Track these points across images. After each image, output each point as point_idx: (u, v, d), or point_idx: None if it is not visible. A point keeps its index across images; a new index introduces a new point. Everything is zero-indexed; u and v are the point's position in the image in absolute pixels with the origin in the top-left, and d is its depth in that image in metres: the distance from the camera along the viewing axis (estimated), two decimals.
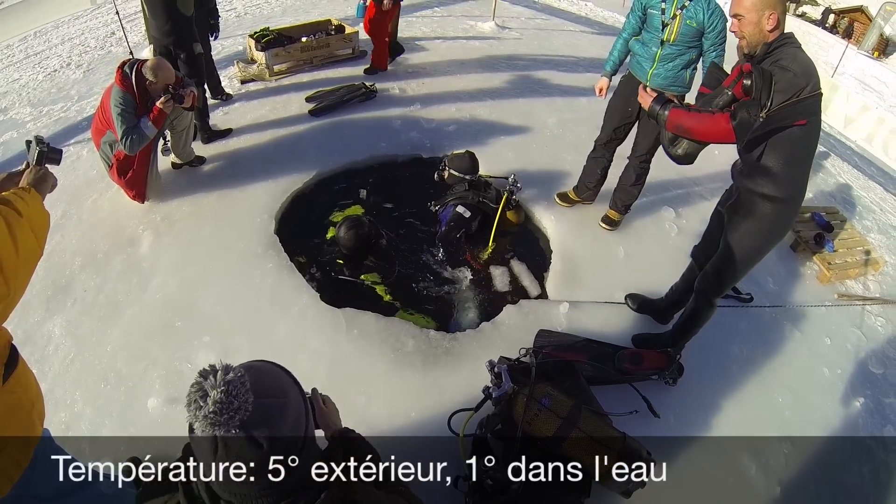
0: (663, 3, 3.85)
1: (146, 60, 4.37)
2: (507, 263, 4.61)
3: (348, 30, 7.91)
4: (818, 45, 26.79)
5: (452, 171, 4.64)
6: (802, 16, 35.89)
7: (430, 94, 7.02)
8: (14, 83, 8.20)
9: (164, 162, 5.08)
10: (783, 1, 2.65)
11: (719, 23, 3.77)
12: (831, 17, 36.42)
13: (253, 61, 7.36)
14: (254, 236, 4.44)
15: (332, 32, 7.93)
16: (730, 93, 2.69)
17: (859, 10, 35.05)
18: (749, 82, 2.54)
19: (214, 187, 5.00)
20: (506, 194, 4.57)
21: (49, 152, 2.11)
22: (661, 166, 5.47)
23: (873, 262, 5.74)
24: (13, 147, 6.07)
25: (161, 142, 4.88)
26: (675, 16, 3.81)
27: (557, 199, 5.08)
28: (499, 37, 10.04)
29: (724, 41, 3.86)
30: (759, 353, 4.16)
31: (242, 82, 6.98)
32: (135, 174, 4.54)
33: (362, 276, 4.26)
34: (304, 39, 7.60)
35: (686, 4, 3.77)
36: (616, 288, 4.32)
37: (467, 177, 4.66)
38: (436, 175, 4.82)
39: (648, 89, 3.02)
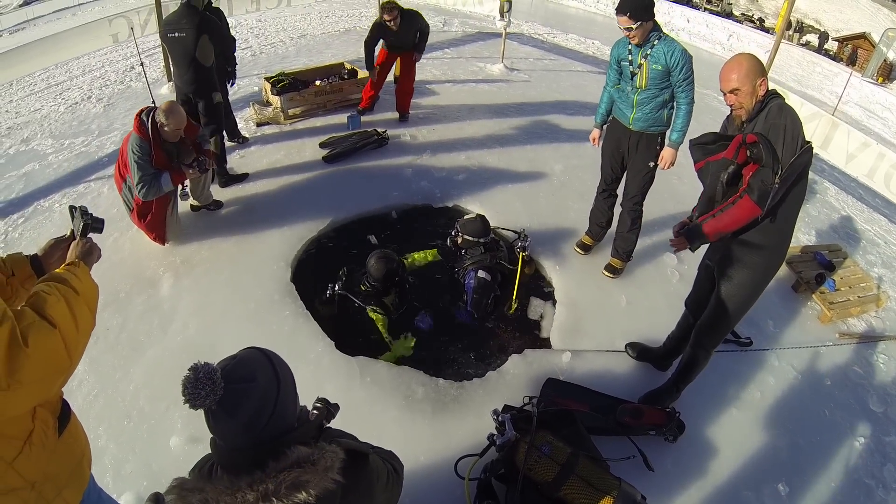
0: (630, 55, 4.19)
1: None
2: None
3: (360, 74, 8.13)
4: (822, 75, 27.01)
5: (466, 237, 4.78)
6: (806, 44, 36.20)
7: (440, 140, 7.17)
8: (35, 113, 8.51)
9: (183, 205, 5.24)
10: (763, 66, 2.91)
11: (681, 58, 4.03)
12: (835, 45, 36.76)
13: (268, 104, 7.60)
14: (270, 283, 4.59)
15: (346, 76, 8.19)
16: (734, 165, 2.89)
17: (862, 36, 35.38)
18: (757, 151, 2.74)
19: (232, 232, 5.17)
20: (521, 254, 4.75)
21: (93, 223, 2.25)
22: (661, 211, 5.67)
23: (876, 299, 5.79)
24: (35, 179, 6.32)
25: (180, 187, 5.07)
26: (641, 64, 4.13)
27: (576, 248, 5.27)
28: (508, 79, 10.21)
29: (691, 78, 4.13)
30: (757, 396, 4.23)
31: (258, 125, 7.23)
32: (154, 217, 4.72)
33: (368, 309, 4.37)
34: (317, 83, 7.85)
35: (649, 52, 4.07)
36: (617, 336, 4.43)
37: (481, 240, 4.80)
38: (448, 241, 4.96)
39: (675, 237, 3.24)
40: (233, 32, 12.50)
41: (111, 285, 4.43)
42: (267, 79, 7.79)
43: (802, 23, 39.77)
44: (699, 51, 26.94)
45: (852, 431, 4.21)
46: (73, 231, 2.20)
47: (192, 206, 5.39)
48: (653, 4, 3.96)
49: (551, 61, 12.54)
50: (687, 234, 3.12)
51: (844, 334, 5.19)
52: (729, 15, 40.36)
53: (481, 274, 4.56)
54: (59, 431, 1.93)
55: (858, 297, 5.65)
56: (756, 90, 2.84)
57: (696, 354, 3.63)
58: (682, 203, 5.97)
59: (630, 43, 4.13)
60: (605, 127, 4.75)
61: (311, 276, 4.87)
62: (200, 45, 5.18)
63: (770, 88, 2.90)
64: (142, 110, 4.54)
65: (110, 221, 5.09)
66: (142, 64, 6.91)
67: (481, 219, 4.85)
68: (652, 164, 4.49)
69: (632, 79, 4.22)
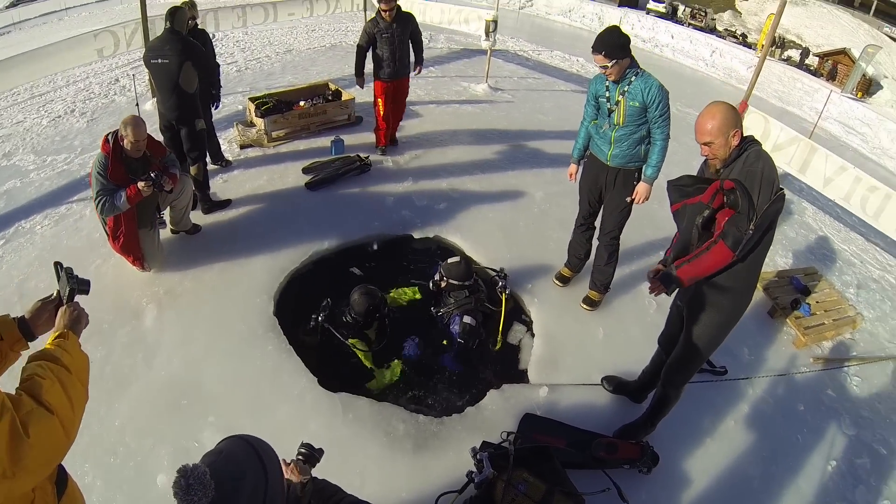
0: (607, 92, 4.22)
1: None
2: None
3: (345, 95, 8.20)
4: (803, 91, 27.31)
5: (451, 281, 4.81)
6: (788, 60, 36.72)
7: (422, 167, 7.21)
8: (18, 125, 8.40)
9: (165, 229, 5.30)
10: (739, 114, 2.96)
11: (658, 95, 4.05)
12: (816, 61, 37.28)
13: (252, 124, 7.63)
14: (254, 317, 4.60)
15: (330, 97, 8.24)
16: (709, 209, 2.98)
17: (842, 52, 35.91)
18: (733, 197, 2.82)
19: (214, 261, 5.17)
20: (503, 295, 4.79)
21: (79, 287, 2.24)
22: (640, 238, 5.76)
23: (850, 322, 5.90)
24: (16, 198, 6.28)
25: (158, 216, 5.12)
26: (618, 101, 4.16)
27: (555, 280, 5.32)
28: (492, 100, 10.29)
29: (667, 114, 4.17)
30: (731, 425, 4.30)
31: (242, 147, 7.25)
32: (125, 239, 4.68)
33: (350, 340, 4.41)
34: (301, 103, 7.91)
35: (626, 89, 4.10)
36: (594, 369, 4.47)
37: (465, 283, 4.83)
38: (431, 284, 4.97)
39: (651, 283, 3.27)
40: (218, 46, 12.64)
41: (95, 315, 4.24)
42: (251, 99, 7.82)
43: (784, 38, 40.27)
44: (682, 67, 27.37)
45: (825, 455, 4.30)
46: (59, 292, 2.19)
47: (171, 230, 5.41)
48: (628, 41, 4.01)
49: (535, 80, 12.63)
50: (662, 280, 3.18)
51: (818, 358, 5.29)
52: (713, 30, 40.79)
53: (467, 319, 4.60)
54: (59, 497, 1.97)
55: (833, 320, 5.75)
56: (729, 142, 2.91)
57: (667, 393, 3.70)
58: (661, 230, 6.04)
59: (608, 79, 4.16)
60: (582, 162, 4.79)
61: (294, 306, 4.89)
62: (184, 72, 5.19)
63: (746, 135, 2.96)
64: (110, 133, 4.56)
65: (92, 246, 5.23)
66: (133, 76, 6.88)
67: (465, 262, 4.88)
68: (629, 199, 4.54)
69: (609, 115, 4.27)
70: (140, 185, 4.50)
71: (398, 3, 6.68)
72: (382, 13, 6.56)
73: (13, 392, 1.72)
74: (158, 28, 8.40)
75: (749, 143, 2.94)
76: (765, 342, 5.30)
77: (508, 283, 4.91)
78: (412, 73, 7.26)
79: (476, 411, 4.06)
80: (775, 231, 3.05)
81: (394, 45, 6.72)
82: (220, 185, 6.34)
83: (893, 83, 33.48)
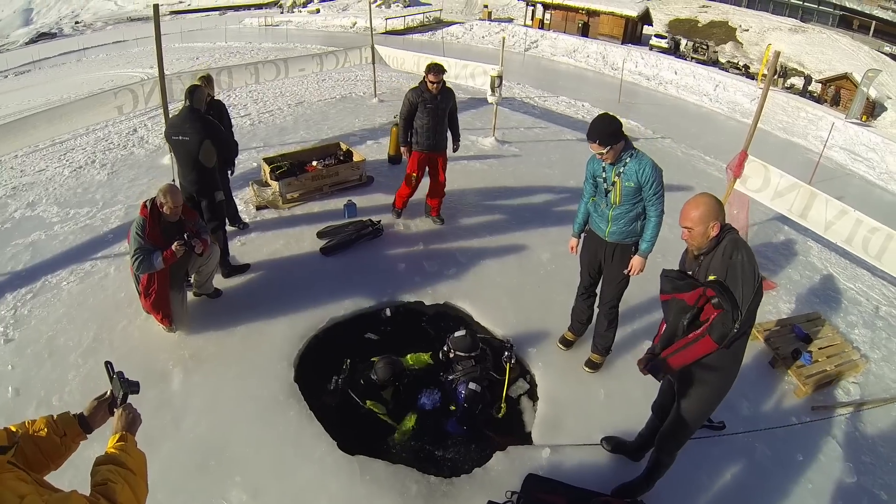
0: (604, 173, 4.41)
1: None
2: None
3: (356, 156, 8.50)
4: (808, 119, 27.49)
5: (458, 353, 5.00)
6: (791, 88, 36.95)
7: (432, 230, 7.42)
8: (40, 174, 8.75)
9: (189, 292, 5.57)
10: (723, 209, 3.22)
11: (652, 175, 4.25)
12: (819, 87, 37.46)
13: (267, 184, 7.93)
14: (275, 383, 4.82)
15: (341, 157, 8.56)
16: (694, 311, 3.25)
17: (844, 77, 36.04)
18: (717, 302, 3.06)
19: (236, 326, 5.39)
20: (507, 365, 4.97)
21: (130, 390, 2.54)
22: (642, 294, 5.92)
23: (854, 366, 5.99)
24: (42, 250, 6.56)
25: (186, 279, 5.43)
26: (614, 182, 4.35)
27: (559, 344, 5.52)
28: (499, 154, 10.55)
29: (661, 192, 4.36)
30: (730, 480, 4.43)
31: (258, 208, 7.54)
32: (157, 296, 4.97)
33: (368, 403, 4.70)
34: (314, 163, 8.25)
35: (622, 170, 4.29)
36: (595, 430, 4.62)
37: (472, 354, 5.02)
38: (440, 355, 5.16)
39: (641, 370, 3.57)
40: (231, 98, 13.02)
41: None
42: (266, 160, 8.15)
43: (786, 66, 40.56)
44: (687, 104, 27.71)
45: None
46: (111, 392, 2.49)
47: (194, 292, 5.69)
48: (620, 127, 4.20)
49: (542, 129, 12.93)
50: (651, 370, 3.47)
51: (818, 407, 5.37)
52: (715, 63, 41.24)
53: (472, 385, 4.79)
54: None
55: (836, 366, 5.83)
56: (708, 231, 3.15)
57: (661, 458, 3.88)
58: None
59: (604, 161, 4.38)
60: (582, 235, 5.02)
61: (314, 370, 5.12)
62: (203, 149, 5.50)
63: (724, 224, 3.20)
64: (148, 199, 4.92)
65: (118, 306, 5.57)
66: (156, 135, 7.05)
67: (470, 336, 5.07)
68: (627, 271, 4.74)
69: (606, 195, 4.46)
70: (174, 246, 4.83)
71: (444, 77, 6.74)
72: (430, 84, 6.60)
73: (87, 490, 2.00)
74: (175, 88, 8.89)
75: (726, 231, 3.18)
76: (765, 394, 5.42)
77: (514, 352, 5.09)
78: (449, 149, 7.32)
79: (483, 472, 4.24)
80: (755, 316, 3.21)
81: (436, 117, 6.78)
82: (239, 249, 6.56)
83: None
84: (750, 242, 7.84)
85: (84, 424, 2.37)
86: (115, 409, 2.44)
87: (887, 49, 45.55)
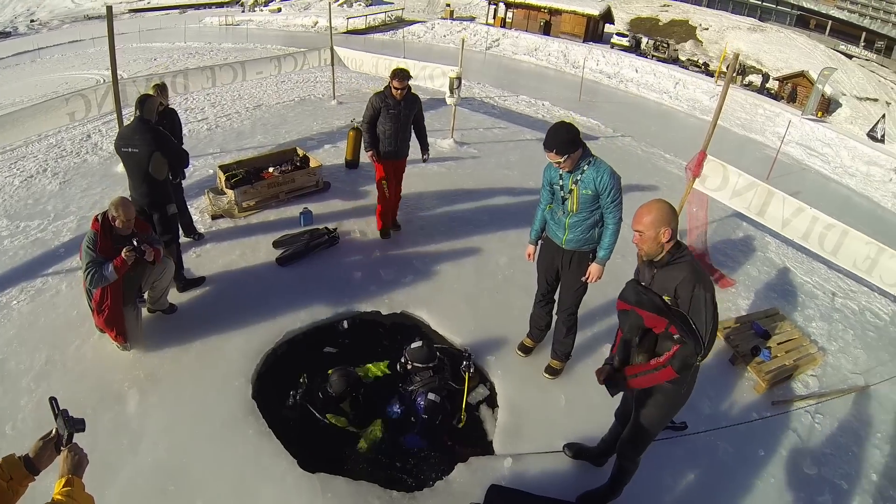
0: (561, 180, 4.35)
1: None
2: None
3: (312, 162, 8.36)
4: (765, 116, 28.07)
5: (415, 364, 4.93)
6: (749, 85, 37.69)
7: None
8: None
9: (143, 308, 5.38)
10: (676, 216, 3.19)
11: (609, 183, 4.21)
12: (776, 84, 38.32)
13: (223, 192, 7.76)
14: (233, 401, 4.67)
15: (298, 163, 8.41)
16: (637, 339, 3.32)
17: (801, 74, 36.97)
18: (679, 338, 3.10)
19: (192, 342, 5.22)
20: (467, 375, 4.89)
21: (75, 428, 2.38)
22: (602, 297, 5.89)
23: (812, 359, 6.09)
24: None
25: (139, 295, 5.24)
26: (571, 189, 4.30)
27: (518, 351, 5.45)
28: (457, 156, 10.48)
29: (619, 199, 4.33)
30: (693, 480, 4.44)
31: (213, 217, 7.34)
32: (110, 312, 4.79)
33: (328, 416, 4.65)
34: (270, 170, 8.09)
35: (579, 178, 4.24)
36: (557, 437, 4.57)
37: (429, 365, 4.96)
38: (398, 366, 5.07)
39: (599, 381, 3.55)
40: (188, 101, 12.76)
41: (77, 400, 4.42)
42: (221, 167, 7.97)
43: (745, 64, 41.33)
44: (647, 101, 28.03)
45: (787, 498, 4.47)
46: (57, 430, 2.35)
47: (148, 308, 5.49)
48: (577, 135, 4.14)
49: (501, 130, 12.91)
50: (608, 386, 3.49)
51: (778, 402, 5.45)
52: (676, 60, 41.86)
53: (431, 396, 4.73)
54: None
55: (794, 360, 5.93)
56: (659, 237, 3.14)
57: (623, 465, 3.87)
58: (622, 284, 6.24)
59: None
60: (539, 242, 4.94)
61: (272, 386, 5.00)
62: (153, 162, 5.32)
63: (678, 242, 3.20)
64: (100, 213, 4.76)
65: (70, 325, 5.33)
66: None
67: (427, 346, 5.01)
68: (584, 278, 4.68)
69: (563, 203, 4.41)
70: (124, 252, 4.65)
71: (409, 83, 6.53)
72: (394, 90, 6.39)
73: None
74: (129, 93, 8.62)
75: (680, 253, 3.16)
76: (725, 392, 5.46)
77: (472, 361, 5.02)
78: (423, 159, 7.22)
79: (445, 485, 4.16)
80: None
81: (398, 123, 6.57)
82: (194, 261, 6.38)
83: (851, 100, 34.45)
84: (709, 239, 8.02)
85: (30, 466, 2.25)
86: (61, 449, 2.31)
87: (842, 47, 46.89)
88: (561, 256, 4.70)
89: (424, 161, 7.25)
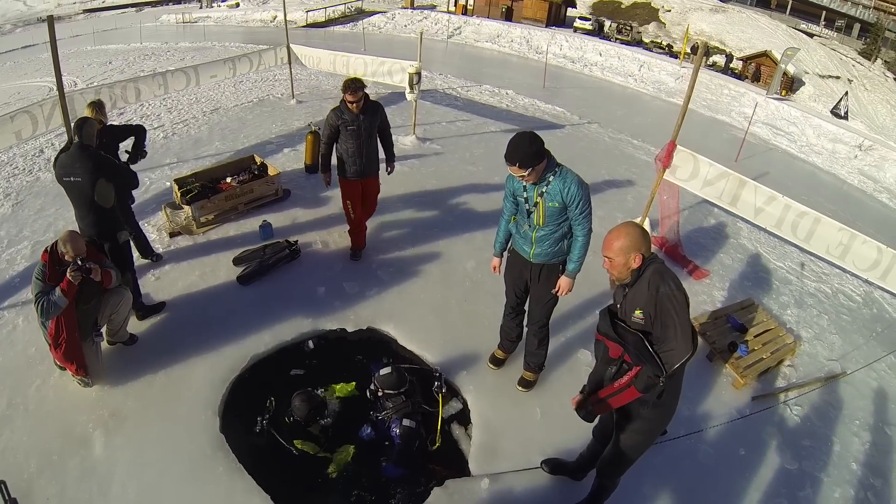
0: (525, 192, 4.09)
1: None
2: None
3: (271, 169, 8.07)
4: (731, 97, 28.26)
5: (387, 391, 4.75)
6: (713, 65, 37.93)
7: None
8: None
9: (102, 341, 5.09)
10: (646, 239, 3.06)
11: (577, 194, 3.95)
12: (740, 64, 38.69)
13: (180, 206, 7.45)
14: (202, 436, 4.45)
15: (256, 171, 8.11)
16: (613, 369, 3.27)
17: (764, 54, 37.43)
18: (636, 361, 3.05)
19: (156, 374, 4.97)
20: (440, 396, 4.78)
21: None
22: (576, 297, 5.72)
23: (789, 350, 6.08)
24: None
25: (96, 329, 4.92)
26: (537, 202, 4.06)
27: (489, 364, 5.26)
28: (420, 153, 10.24)
29: (588, 211, 4.08)
30: (675, 485, 4.36)
31: (171, 235, 7.01)
32: (68, 345, 4.55)
33: (295, 441, 4.45)
34: (228, 179, 7.79)
35: (545, 190, 3.99)
36: (534, 452, 4.44)
37: (401, 390, 4.77)
38: (368, 393, 4.89)
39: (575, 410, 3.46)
40: (143, 107, 12.32)
41: (42, 446, 4.25)
42: (177, 181, 7.64)
43: (708, 45, 41.60)
44: (612, 85, 28.02)
45: (768, 496, 4.45)
46: None
47: (108, 341, 5.22)
48: (541, 146, 3.85)
49: (465, 122, 12.72)
50: (582, 417, 3.42)
51: (758, 397, 5.42)
52: (639, 43, 41.93)
53: (406, 422, 4.55)
54: None
55: (771, 353, 5.92)
56: (629, 262, 3.03)
57: (603, 484, 3.78)
58: (597, 284, 6.15)
59: None
60: (505, 254, 4.71)
61: (241, 414, 4.79)
62: (98, 189, 4.99)
63: (647, 255, 3.07)
64: (50, 244, 4.54)
65: (30, 363, 5.03)
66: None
67: (397, 371, 4.80)
68: (555, 291, 4.47)
69: (529, 216, 4.18)
70: (68, 273, 4.40)
71: (365, 91, 5.98)
72: (349, 104, 5.87)
73: None
74: (78, 106, 8.24)
75: (648, 263, 3.05)
76: (704, 391, 5.39)
77: (443, 381, 4.90)
78: (386, 172, 6.67)
79: None
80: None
81: (360, 138, 6.02)
82: (153, 284, 6.10)
83: (814, 78, 34.88)
84: (681, 229, 7.92)
85: None
86: None
87: (803, 26, 47.53)
88: (529, 270, 4.48)
89: (388, 173, 6.74)
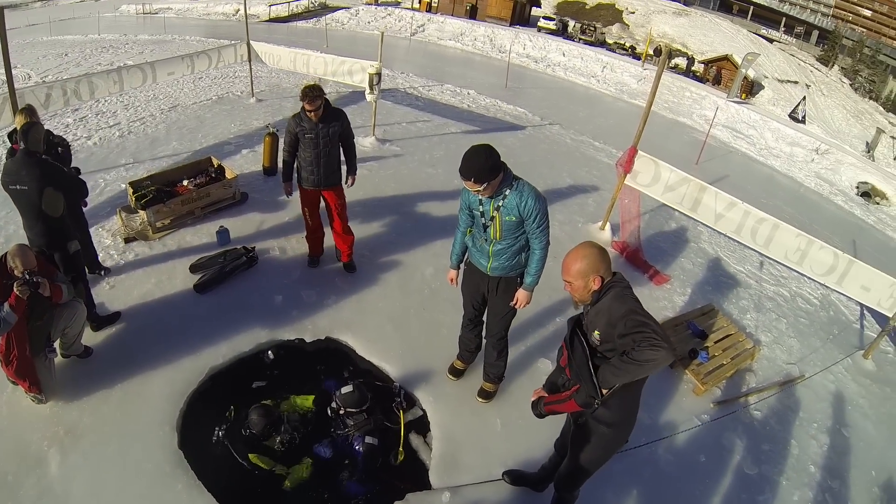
0: (481, 206, 4.01)
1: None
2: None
3: (228, 172, 7.88)
4: (692, 99, 28.72)
5: (348, 409, 4.67)
6: (675, 68, 38.55)
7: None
8: None
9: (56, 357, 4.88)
10: (605, 260, 3.02)
11: (534, 208, 3.89)
12: (701, 67, 39.40)
13: (136, 210, 7.20)
14: (159, 453, 4.30)
15: (213, 174, 7.91)
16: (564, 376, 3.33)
17: (725, 58, 38.24)
18: (574, 378, 3.14)
19: (111, 389, 4.79)
20: (401, 412, 4.73)
21: None
22: (530, 316, 5.76)
23: (749, 354, 6.14)
24: None
25: (49, 344, 4.71)
26: (493, 217, 3.98)
27: (449, 375, 5.18)
28: (379, 155, 10.11)
29: (545, 224, 4.02)
30: (636, 495, 4.37)
31: (126, 241, 6.74)
32: (19, 362, 4.37)
33: (250, 455, 4.35)
34: (185, 182, 7.58)
35: (501, 204, 3.91)
36: (495, 463, 4.39)
37: (363, 408, 4.70)
38: (329, 411, 4.79)
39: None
40: (99, 104, 11.99)
41: None
42: (132, 184, 7.39)
43: (671, 48, 42.25)
44: (575, 85, 28.20)
45: (729, 501, 4.50)
46: None
47: (62, 354, 5.00)
48: (497, 160, 3.76)
49: (425, 123, 12.63)
50: (536, 415, 3.43)
51: (718, 403, 5.46)
52: (603, 44, 42.37)
53: (368, 440, 4.49)
54: None
55: (731, 358, 5.97)
56: (589, 285, 3.01)
57: (562, 497, 3.76)
58: (556, 290, 6.07)
59: None
60: (461, 266, 4.64)
61: (199, 430, 4.65)
62: (45, 198, 4.78)
63: (612, 276, 3.06)
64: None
65: None
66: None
67: (358, 390, 4.73)
68: (513, 304, 4.39)
69: (485, 230, 4.10)
70: (15, 288, 4.21)
71: (325, 97, 5.71)
72: (307, 112, 5.65)
73: None
74: (28, 103, 7.87)
75: (609, 287, 3.03)
76: (665, 398, 5.40)
77: (403, 397, 4.87)
78: (345, 184, 6.28)
79: None
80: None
81: (318, 147, 5.78)
82: (108, 293, 5.86)
83: (773, 82, 35.71)
84: (642, 233, 7.96)
85: None
86: None
87: (764, 31, 48.66)
88: (487, 282, 4.41)
89: (348, 185, 6.31)
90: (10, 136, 5.07)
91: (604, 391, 2.94)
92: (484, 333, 4.87)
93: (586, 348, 3.02)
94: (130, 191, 7.29)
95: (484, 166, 3.67)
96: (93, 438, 4.39)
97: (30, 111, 5.52)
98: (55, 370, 4.77)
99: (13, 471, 4.08)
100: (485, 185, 3.72)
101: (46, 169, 4.87)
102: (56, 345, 4.85)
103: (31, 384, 4.48)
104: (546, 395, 3.44)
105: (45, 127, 5.21)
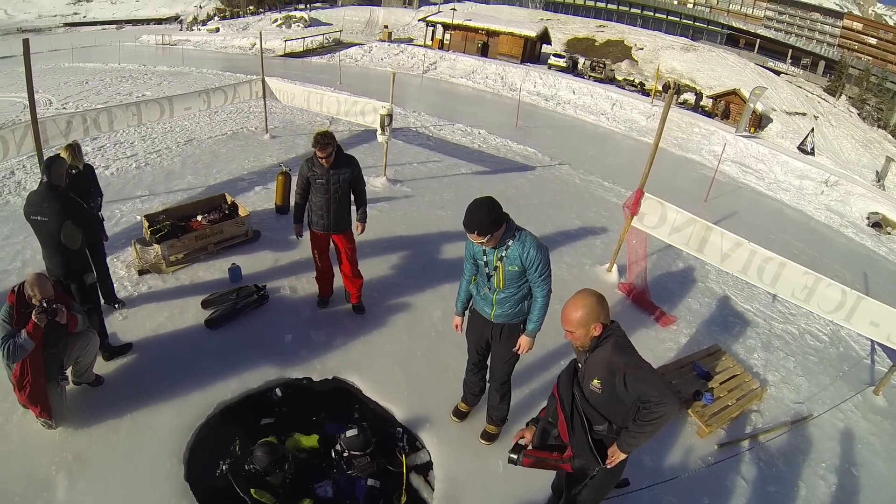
0: (485, 256, 4.13)
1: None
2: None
3: (241, 210, 8.05)
4: (701, 135, 28.81)
5: (353, 452, 4.75)
6: (684, 103, 38.75)
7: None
8: None
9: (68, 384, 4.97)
10: (604, 307, 3.10)
11: (536, 258, 4.00)
12: (710, 102, 39.62)
13: (150, 243, 7.36)
14: (166, 484, 4.35)
15: (227, 210, 8.08)
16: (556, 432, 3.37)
17: (733, 92, 38.43)
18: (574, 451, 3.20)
19: (121, 418, 4.86)
20: (403, 456, 4.78)
21: None
22: (534, 359, 5.75)
23: (755, 395, 6.12)
24: None
25: (62, 372, 4.82)
26: (497, 266, 4.09)
27: (453, 417, 5.25)
28: (390, 195, 10.24)
29: (547, 273, 4.14)
30: None
31: (140, 273, 6.91)
32: (32, 388, 4.47)
33: (252, 490, 4.36)
34: (199, 218, 7.75)
35: (504, 254, 4.02)
36: None
37: (367, 451, 4.77)
38: (333, 453, 4.86)
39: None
40: (117, 135, 12.19)
41: (4, 486, 4.15)
42: (147, 218, 7.57)
43: (679, 83, 42.55)
44: (585, 123, 28.39)
45: None
46: None
47: (73, 381, 5.09)
48: (500, 212, 3.88)
49: (436, 164, 12.79)
50: (509, 460, 3.46)
51: (723, 444, 5.42)
52: (612, 80, 42.75)
53: (370, 482, 4.57)
54: None
55: (737, 399, 5.94)
56: (590, 332, 3.08)
57: None
58: (560, 333, 6.10)
59: None
60: (466, 313, 4.75)
61: (206, 464, 4.71)
62: (65, 232, 4.94)
63: (610, 323, 3.13)
64: (17, 284, 4.47)
65: None
66: None
67: (363, 432, 4.80)
68: (516, 350, 4.49)
69: (489, 280, 4.21)
70: (34, 316, 4.33)
71: (337, 145, 5.79)
72: (319, 159, 5.74)
73: None
74: (50, 130, 8.17)
75: (608, 334, 3.10)
76: (669, 440, 5.37)
77: (406, 442, 4.93)
78: (354, 231, 6.30)
79: None
80: None
81: (328, 193, 5.86)
82: (121, 324, 5.98)
83: (781, 115, 35.84)
84: (649, 273, 8.00)
85: None
86: None
87: (770, 64, 48.99)
88: (490, 329, 4.51)
89: (359, 233, 6.34)
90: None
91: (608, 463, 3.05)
92: (488, 377, 4.94)
93: (585, 425, 3.13)
94: (146, 224, 7.47)
95: (486, 220, 3.79)
96: (100, 465, 4.46)
97: (73, 148, 5.79)
98: (66, 397, 4.86)
99: (20, 492, 4.15)
100: (488, 237, 3.84)
101: (67, 203, 5.05)
102: (68, 372, 4.95)
103: (43, 410, 4.56)
104: (530, 444, 3.49)
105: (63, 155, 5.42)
